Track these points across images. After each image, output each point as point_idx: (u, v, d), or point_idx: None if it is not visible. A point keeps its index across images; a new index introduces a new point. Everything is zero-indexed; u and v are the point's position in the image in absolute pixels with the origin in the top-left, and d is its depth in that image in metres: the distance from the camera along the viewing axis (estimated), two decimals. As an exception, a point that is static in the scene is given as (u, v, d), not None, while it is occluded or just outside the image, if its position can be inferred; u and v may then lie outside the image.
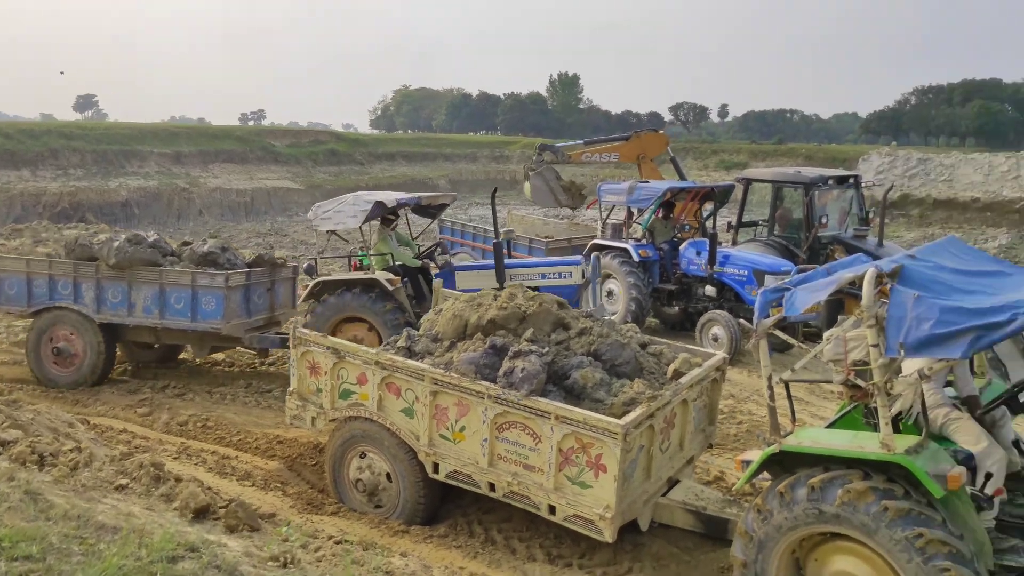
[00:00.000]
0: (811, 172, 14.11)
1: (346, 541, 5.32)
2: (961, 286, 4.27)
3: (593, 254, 11.01)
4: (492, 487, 5.73)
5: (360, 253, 10.70)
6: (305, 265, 10.80)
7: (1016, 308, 3.86)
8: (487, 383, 5.66)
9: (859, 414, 5.20)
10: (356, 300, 9.53)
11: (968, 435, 4.76)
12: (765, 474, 5.04)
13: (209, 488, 6.00)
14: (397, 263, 10.23)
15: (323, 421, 6.62)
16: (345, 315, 9.59)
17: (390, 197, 10.05)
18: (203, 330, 9.44)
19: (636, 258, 12.80)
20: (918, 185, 43.56)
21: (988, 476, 4.64)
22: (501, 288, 10.77)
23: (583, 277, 10.55)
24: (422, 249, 11.12)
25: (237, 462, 7.25)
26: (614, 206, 13.75)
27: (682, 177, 17.51)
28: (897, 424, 4.82)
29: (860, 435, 4.72)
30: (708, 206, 14.04)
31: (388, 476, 6.29)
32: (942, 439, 4.82)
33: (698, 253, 12.65)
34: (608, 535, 5.25)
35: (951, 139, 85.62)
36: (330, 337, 6.65)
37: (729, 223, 15.58)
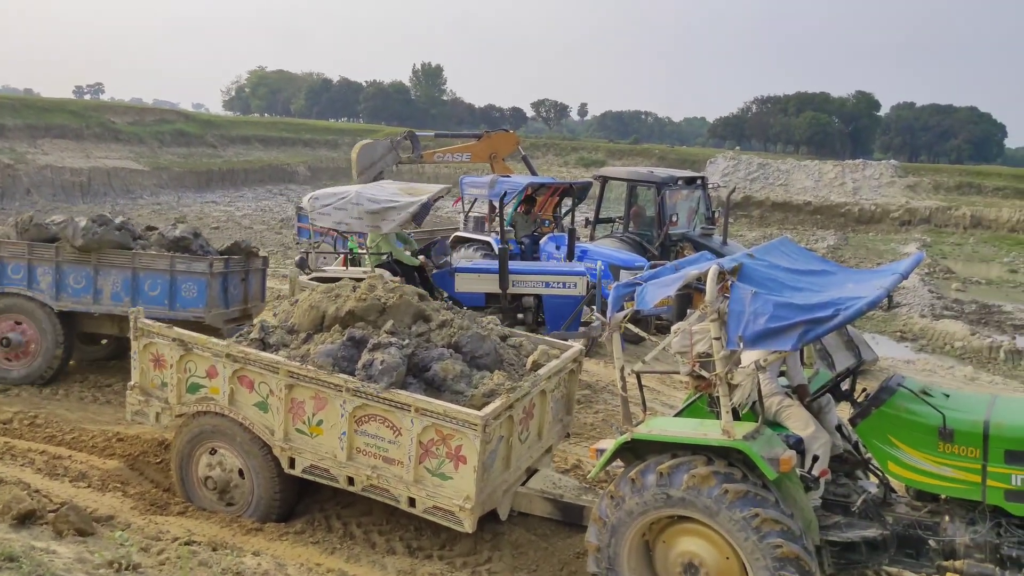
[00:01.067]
0: (663, 172, 14.82)
1: (193, 542, 5.06)
2: (792, 283, 4.63)
3: (597, 265, 10.75)
4: (351, 481, 5.63)
5: (355, 248, 10.19)
6: (297, 258, 10.17)
7: (839, 304, 4.24)
8: (345, 376, 5.55)
9: (704, 403, 5.51)
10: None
11: (798, 421, 5.17)
12: (619, 462, 5.26)
13: (37, 491, 5.53)
14: (392, 260, 9.86)
15: (169, 417, 6.25)
16: None
17: (403, 206, 9.31)
18: (182, 319, 8.44)
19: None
20: (758, 188, 46.72)
21: (815, 459, 5.07)
22: (504, 294, 10.51)
23: (588, 289, 10.34)
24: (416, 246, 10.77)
25: (71, 462, 6.70)
26: (476, 199, 13.85)
27: (534, 174, 17.87)
28: (737, 412, 5.16)
29: (704, 423, 5.01)
30: (567, 202, 14.42)
31: (240, 472, 6.04)
32: (776, 425, 5.21)
33: (557, 247, 12.97)
34: (468, 526, 5.29)
35: (787, 146, 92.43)
36: (176, 328, 6.29)
37: (587, 219, 16.10)
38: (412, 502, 5.45)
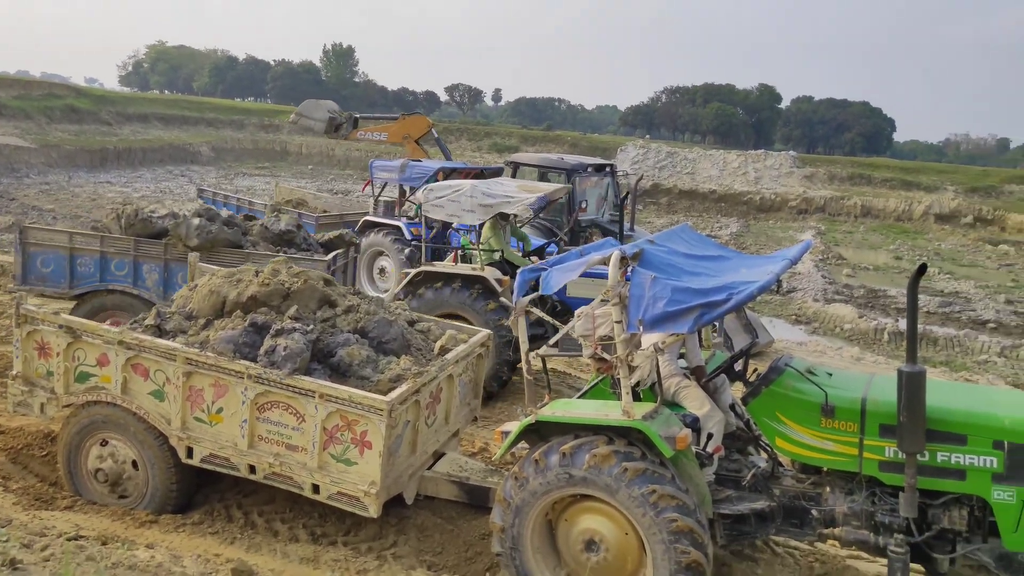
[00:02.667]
0: (573, 159, 15.00)
1: (80, 537, 4.85)
2: (690, 269, 4.80)
3: (411, 249, 10.32)
4: (252, 469, 5.51)
5: (467, 245, 9.70)
6: (407, 251, 9.48)
7: (732, 288, 4.42)
8: (247, 362, 5.41)
9: (607, 385, 5.66)
10: (456, 296, 8.73)
11: (694, 401, 5.37)
12: (524, 444, 5.34)
13: (-95, 491, 5.18)
14: (503, 259, 9.47)
15: (55, 407, 5.95)
16: (443, 311, 8.73)
17: (518, 199, 9.05)
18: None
19: (408, 236, 12.85)
20: (667, 176, 47.94)
21: (710, 436, 5.29)
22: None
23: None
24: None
25: (-56, 458, 6.31)
26: (386, 183, 13.68)
27: (448, 158, 17.83)
28: (637, 393, 5.33)
29: (606, 404, 5.15)
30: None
31: (134, 464, 5.82)
32: (674, 404, 5.40)
33: (467, 232, 12.97)
34: (373, 511, 5.27)
35: (695, 136, 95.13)
36: (63, 315, 5.98)
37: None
38: (316, 489, 5.38)
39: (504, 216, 9.71)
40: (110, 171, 38.00)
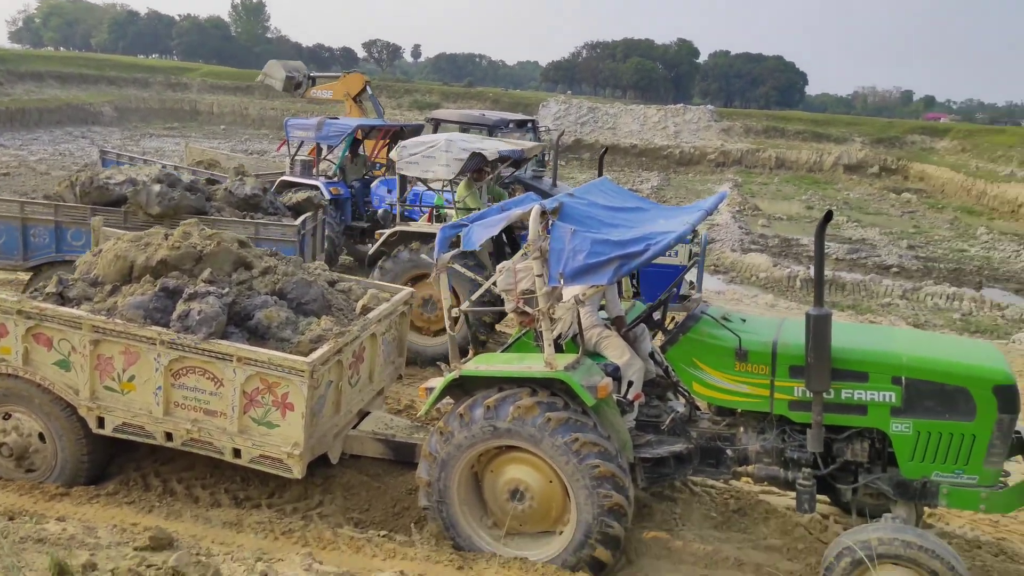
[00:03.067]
0: (494, 115, 14.88)
1: (-13, 514, 4.67)
2: (609, 221, 4.86)
3: (699, 231, 9.72)
4: (169, 437, 5.37)
5: (441, 203, 9.25)
6: (380, 212, 8.76)
7: (649, 239, 4.50)
8: (159, 328, 5.24)
9: (530, 338, 5.72)
10: (430, 254, 8.31)
11: (615, 350, 5.49)
12: (448, 399, 5.37)
13: None
14: None
15: (-47, 382, 5.65)
16: (420, 272, 8.42)
17: (492, 148, 8.73)
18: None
19: (327, 196, 12.56)
20: (588, 131, 48.18)
21: (630, 384, 5.42)
22: None
23: (690, 258, 9.55)
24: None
25: None
26: (303, 142, 13.30)
27: (380, 116, 17.50)
28: (560, 344, 5.41)
29: (529, 356, 5.21)
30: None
31: (41, 436, 5.59)
32: (595, 355, 5.50)
33: (389, 191, 12.77)
34: (297, 471, 5.23)
35: (615, 91, 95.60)
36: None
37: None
38: (237, 453, 5.29)
39: (479, 174, 9.43)
40: (2, 134, 35.70)
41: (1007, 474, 4.68)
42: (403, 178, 9.39)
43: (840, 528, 5.41)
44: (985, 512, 4.64)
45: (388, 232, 9.13)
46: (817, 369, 4.51)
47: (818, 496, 4.94)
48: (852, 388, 4.66)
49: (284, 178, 12.96)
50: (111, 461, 5.86)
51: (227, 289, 5.63)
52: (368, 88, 18.01)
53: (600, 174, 9.90)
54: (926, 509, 5.47)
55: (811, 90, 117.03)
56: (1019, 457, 4.80)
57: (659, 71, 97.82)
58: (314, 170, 13.03)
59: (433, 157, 8.58)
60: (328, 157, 13.56)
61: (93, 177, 8.41)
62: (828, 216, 4.49)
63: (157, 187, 8.07)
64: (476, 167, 8.97)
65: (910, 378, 4.58)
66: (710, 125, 50.33)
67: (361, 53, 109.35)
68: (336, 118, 14.01)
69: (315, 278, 6.35)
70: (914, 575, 4.30)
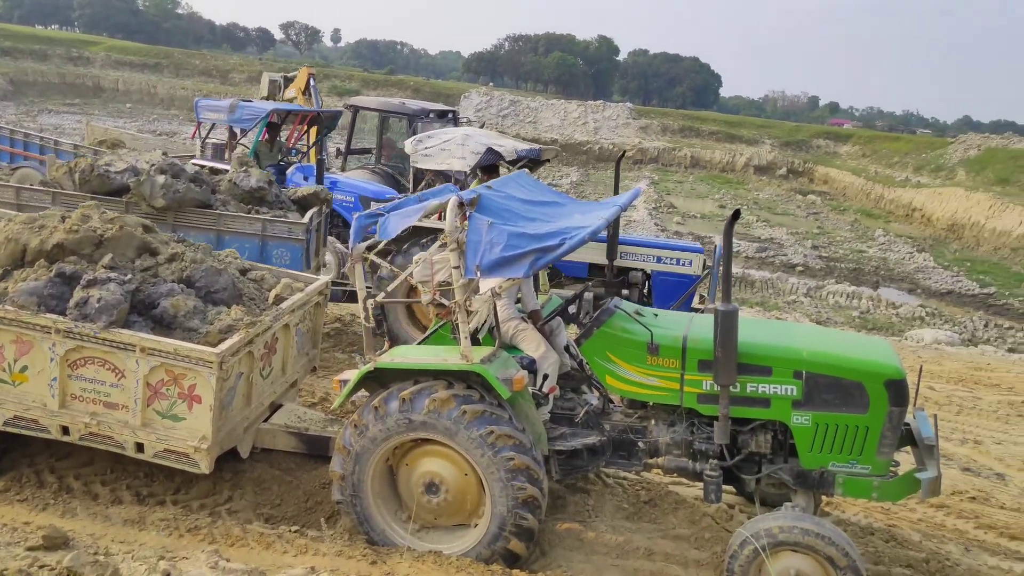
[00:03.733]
0: (414, 104, 14.71)
1: None
2: (525, 214, 4.88)
3: (716, 242, 9.50)
4: (66, 431, 5.11)
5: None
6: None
7: (565, 234, 4.55)
8: (55, 316, 4.97)
9: (447, 331, 5.70)
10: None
11: (531, 343, 5.53)
12: (363, 392, 5.30)
13: None
14: None
15: None
16: None
17: (509, 146, 8.54)
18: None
19: (240, 181, 12.18)
20: (510, 124, 48.33)
21: (545, 377, 5.47)
22: (611, 266, 9.25)
23: (704, 268, 9.21)
24: None
25: None
26: (214, 125, 12.84)
27: (318, 105, 16.98)
28: (477, 337, 5.40)
29: (445, 349, 5.19)
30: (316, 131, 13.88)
31: (-76, 432, 5.23)
32: (511, 348, 5.53)
33: (305, 178, 12.48)
34: (205, 466, 5.07)
35: (537, 85, 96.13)
36: None
37: (338, 149, 15.62)
38: (140, 447, 5.09)
39: (490, 170, 9.12)
40: None
41: (897, 464, 4.95)
42: (418, 171, 9.17)
43: (745, 517, 5.62)
44: (877, 500, 4.89)
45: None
46: (724, 363, 4.66)
47: (724, 486, 5.11)
48: (757, 382, 4.83)
49: (194, 162, 12.49)
50: (2, 457, 5.53)
51: (130, 276, 5.39)
52: (312, 80, 17.64)
53: (617, 181, 9.73)
54: (824, 498, 5.75)
55: (725, 92, 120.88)
56: (908, 448, 5.09)
57: (580, 67, 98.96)
58: (227, 154, 12.61)
59: (449, 151, 8.42)
60: (242, 141, 13.13)
61: (94, 164, 7.93)
62: (736, 215, 4.63)
63: (162, 178, 7.66)
64: (490, 163, 8.83)
65: (810, 372, 4.78)
66: (628, 122, 51.28)
67: (279, 35, 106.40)
68: (249, 100, 13.58)
69: (225, 266, 6.15)
70: (812, 561, 4.51)
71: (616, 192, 9.32)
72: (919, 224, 32.12)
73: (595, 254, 9.17)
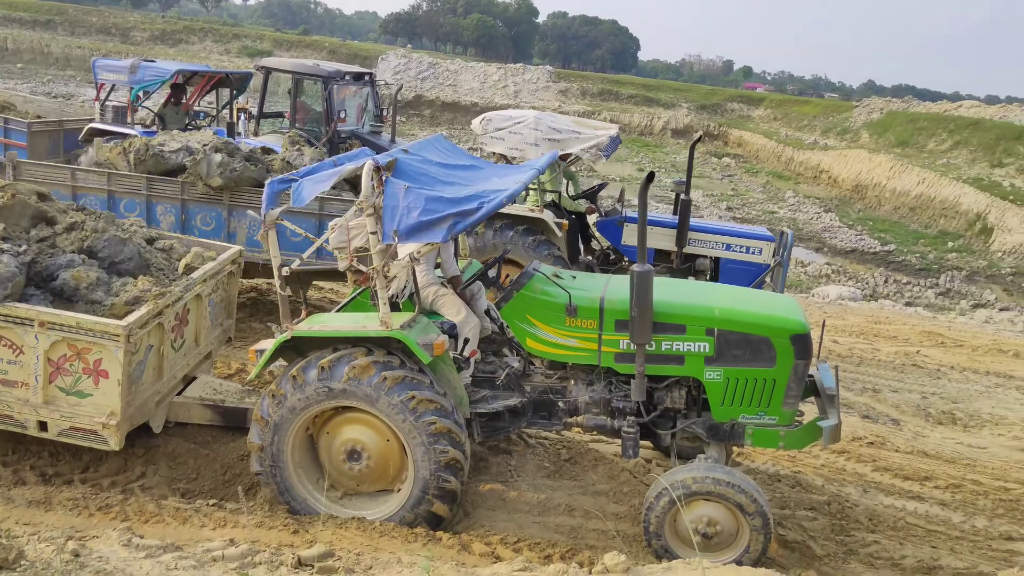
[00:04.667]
0: (330, 66, 14.30)
1: None
2: (443, 178, 4.84)
3: (785, 231, 8.98)
4: (-40, 412, 4.86)
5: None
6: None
7: (483, 197, 4.53)
8: (-58, 291, 4.68)
9: (366, 297, 5.63)
10: (519, 240, 7.93)
11: (451, 308, 5.52)
12: (281, 361, 5.20)
13: None
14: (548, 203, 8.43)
15: None
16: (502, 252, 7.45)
17: (592, 134, 8.50)
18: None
19: (145, 146, 11.63)
20: (429, 87, 47.61)
21: (466, 341, 5.49)
22: (680, 252, 8.90)
23: (773, 257, 8.83)
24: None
25: None
26: (114, 86, 12.18)
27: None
28: (397, 303, 5.37)
29: (365, 316, 5.14)
30: (225, 95, 13.34)
31: None
32: (432, 313, 5.52)
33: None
34: (115, 443, 4.91)
35: (456, 47, 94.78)
36: None
37: (250, 112, 15.08)
38: (43, 426, 4.89)
39: (563, 157, 9.00)
40: None
41: (801, 414, 5.21)
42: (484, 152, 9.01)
43: (661, 471, 5.82)
44: (784, 449, 5.14)
45: None
46: (640, 323, 4.77)
47: (641, 442, 5.27)
48: (671, 340, 4.98)
49: (93, 125, 11.85)
50: None
51: (24, 247, 5.12)
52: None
53: (691, 164, 9.57)
54: (735, 449, 6.00)
55: (643, 56, 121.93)
56: (812, 398, 5.35)
57: (499, 29, 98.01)
58: (129, 117, 11.99)
59: (520, 134, 8.17)
60: (145, 104, 12.51)
61: (149, 144, 7.91)
62: (650, 177, 4.72)
63: (218, 157, 7.57)
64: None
65: (721, 329, 4.95)
66: (549, 86, 51.24)
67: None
68: (152, 60, 12.93)
69: (130, 235, 5.91)
70: (723, 508, 4.73)
71: (689, 176, 9.30)
72: (826, 185, 33.39)
73: (664, 240, 8.97)
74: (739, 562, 4.62)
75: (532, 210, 8.71)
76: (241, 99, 16.25)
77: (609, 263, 9.39)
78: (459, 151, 5.81)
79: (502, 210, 8.50)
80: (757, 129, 46.05)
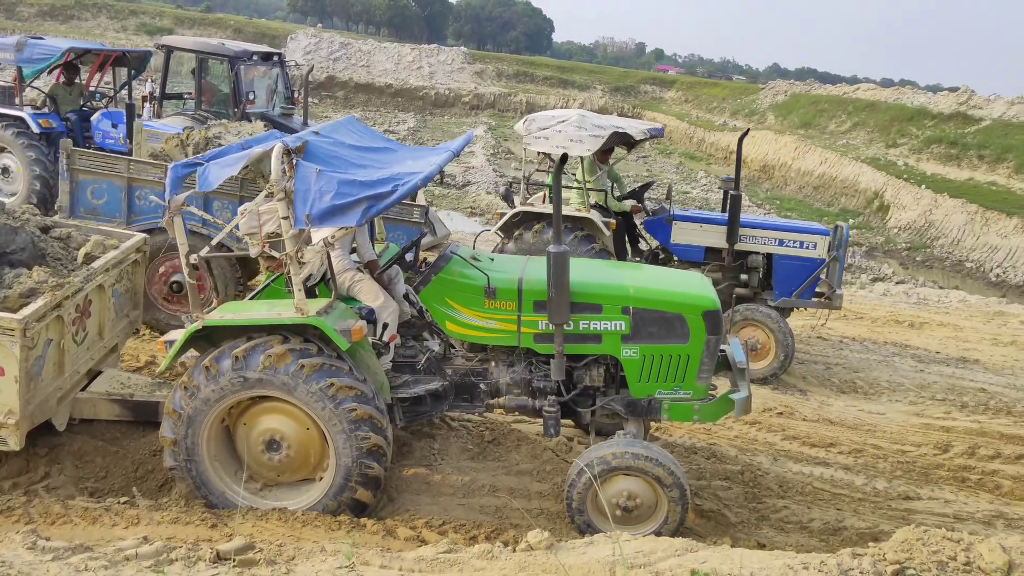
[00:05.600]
0: (236, 46, 13.80)
1: None
2: (356, 161, 4.76)
3: (840, 224, 8.63)
4: None
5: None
6: (503, 189, 8.04)
7: (397, 180, 4.48)
8: None
9: (281, 284, 5.50)
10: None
11: (369, 293, 5.45)
12: (193, 352, 5.03)
13: None
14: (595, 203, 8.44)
15: None
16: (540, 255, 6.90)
17: (636, 126, 8.41)
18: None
19: (36, 129, 10.96)
20: (342, 68, 46.54)
21: (385, 326, 5.43)
22: (731, 249, 8.60)
23: (829, 252, 8.50)
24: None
25: None
26: (1, 65, 11.44)
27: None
28: (313, 290, 5.26)
29: (279, 303, 5.02)
30: (123, 75, 12.70)
31: None
32: (349, 299, 5.44)
33: (114, 125, 11.42)
34: (14, 443, 4.67)
35: (368, 27, 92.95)
36: None
37: (151, 93, 14.41)
38: (-67, 429, 4.58)
39: (605, 155, 8.80)
40: None
41: (715, 387, 5.40)
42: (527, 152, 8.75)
43: (583, 448, 5.93)
44: (699, 422, 5.31)
45: (511, 212, 8.56)
46: (557, 303, 4.83)
47: (563, 420, 5.36)
48: (588, 319, 5.06)
49: (-20, 110, 11.11)
50: None
51: (-95, 239, 4.76)
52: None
53: (739, 158, 9.17)
54: (653, 424, 6.17)
55: (557, 37, 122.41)
56: (724, 372, 5.54)
57: (412, 8, 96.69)
58: (17, 98, 11.29)
59: (565, 132, 7.80)
60: (35, 84, 11.80)
61: (208, 138, 7.81)
62: (563, 159, 4.76)
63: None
64: (619, 145, 8.45)
65: (636, 308, 5.06)
66: (463, 67, 50.88)
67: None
68: (41, 37, 12.18)
69: (22, 224, 5.58)
70: (642, 482, 4.86)
71: (738, 172, 9.09)
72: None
73: (714, 237, 8.82)
74: (658, 533, 4.76)
75: (579, 210, 8.65)
76: (148, 86, 15.48)
77: (659, 262, 9.24)
78: (372, 133, 5.72)
79: (548, 209, 8.44)
80: (669, 111, 47.02)
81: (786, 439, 7.07)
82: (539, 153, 8.85)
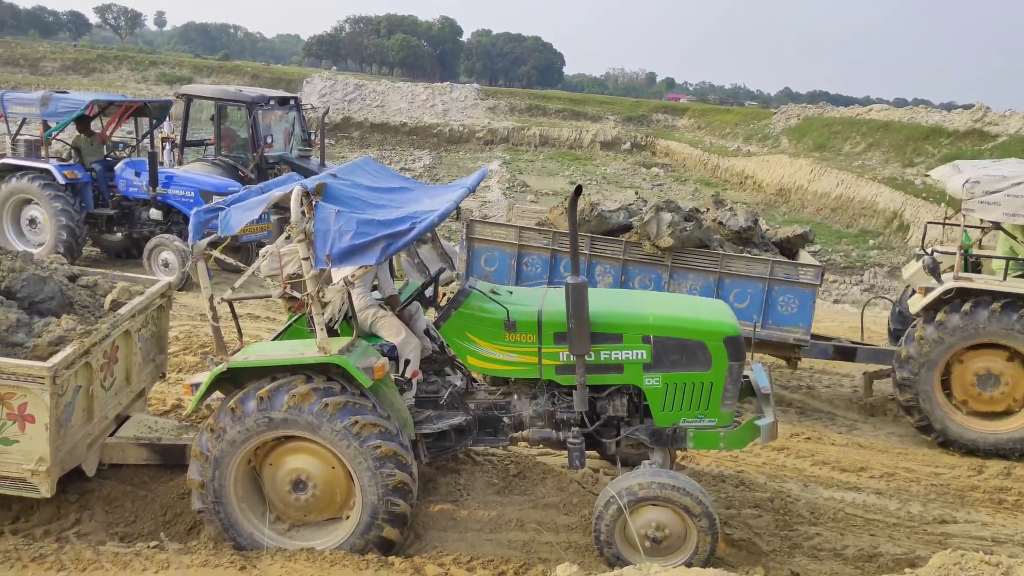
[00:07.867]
0: (253, 92, 14.13)
1: None
2: (373, 201, 4.83)
3: (927, 255, 7.49)
4: None
5: (969, 247, 7.44)
6: (927, 260, 7.12)
7: (415, 218, 4.54)
8: None
9: (303, 324, 5.55)
10: (997, 321, 6.99)
11: (390, 330, 5.49)
12: (218, 394, 5.08)
13: None
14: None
15: None
16: (975, 342, 7.19)
17: None
18: (777, 340, 7.51)
19: (62, 180, 11.26)
20: (357, 109, 47.26)
21: (407, 362, 5.46)
22: None
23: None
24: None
25: None
26: (25, 119, 11.76)
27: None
28: (335, 328, 5.31)
29: (303, 343, 5.07)
30: (144, 124, 13.01)
31: None
32: (371, 336, 5.48)
33: (137, 174, 11.71)
34: (46, 490, 4.72)
35: (382, 68, 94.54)
36: None
37: (173, 142, 14.76)
38: (-34, 478, 4.65)
39: None
40: None
41: (740, 414, 5.35)
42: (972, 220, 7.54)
43: (609, 479, 5.88)
44: (725, 449, 5.26)
45: (941, 290, 7.20)
46: (578, 334, 4.84)
47: (587, 452, 5.33)
48: (610, 349, 5.05)
49: (5, 160, 11.43)
50: None
51: (-62, 292, 4.88)
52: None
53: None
54: (679, 453, 6.12)
55: (568, 70, 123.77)
56: (749, 398, 5.50)
57: (424, 48, 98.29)
58: (43, 151, 11.59)
59: (1021, 197, 6.81)
60: (60, 137, 12.12)
61: (594, 204, 8.12)
62: (578, 191, 4.80)
63: (668, 216, 7.43)
64: None
65: (657, 336, 5.05)
66: (476, 103, 51.49)
67: (94, 19, 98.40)
68: (65, 92, 12.53)
69: (50, 273, 5.70)
70: (670, 512, 4.81)
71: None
72: (751, 190, 34.40)
73: None
74: (689, 563, 4.70)
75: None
76: (167, 127, 15.84)
77: None
78: (389, 172, 5.80)
79: (999, 289, 7.16)
80: (683, 138, 47.18)
81: (815, 464, 6.97)
82: (983, 220, 7.51)
